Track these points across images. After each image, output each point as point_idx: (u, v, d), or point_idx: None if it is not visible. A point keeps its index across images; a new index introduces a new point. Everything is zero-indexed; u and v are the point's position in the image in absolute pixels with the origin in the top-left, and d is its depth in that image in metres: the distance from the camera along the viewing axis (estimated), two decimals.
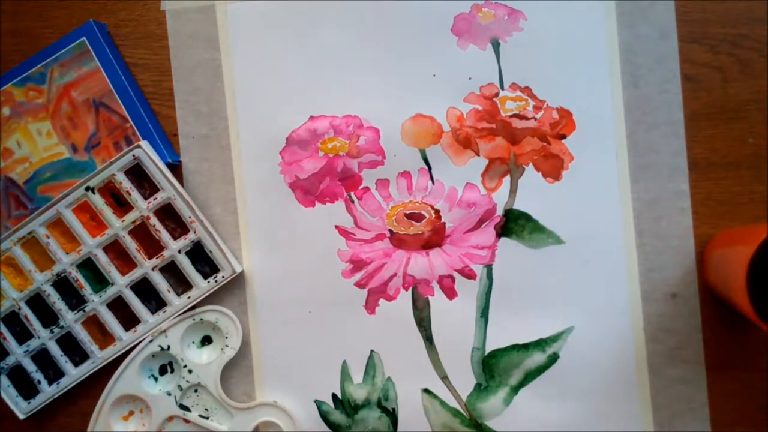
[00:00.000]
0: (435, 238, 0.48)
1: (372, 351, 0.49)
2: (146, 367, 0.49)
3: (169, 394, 0.49)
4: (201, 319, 0.49)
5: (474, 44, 0.48)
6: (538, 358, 0.47)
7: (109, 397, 0.49)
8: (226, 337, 0.49)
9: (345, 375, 0.49)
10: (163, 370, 0.50)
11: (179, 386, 0.49)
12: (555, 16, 0.47)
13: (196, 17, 0.50)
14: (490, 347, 0.48)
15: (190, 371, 0.49)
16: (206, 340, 0.50)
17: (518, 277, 0.47)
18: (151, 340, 0.49)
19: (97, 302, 0.49)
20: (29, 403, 0.50)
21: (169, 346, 0.49)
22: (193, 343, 0.50)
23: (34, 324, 0.49)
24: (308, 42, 0.49)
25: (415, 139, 0.48)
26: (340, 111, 0.49)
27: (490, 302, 0.48)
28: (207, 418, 0.49)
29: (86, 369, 0.50)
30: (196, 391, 0.49)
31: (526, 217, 0.47)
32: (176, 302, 0.49)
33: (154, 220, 0.48)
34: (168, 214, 0.49)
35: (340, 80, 0.49)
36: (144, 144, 0.47)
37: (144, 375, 0.49)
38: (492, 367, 0.48)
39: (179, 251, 0.48)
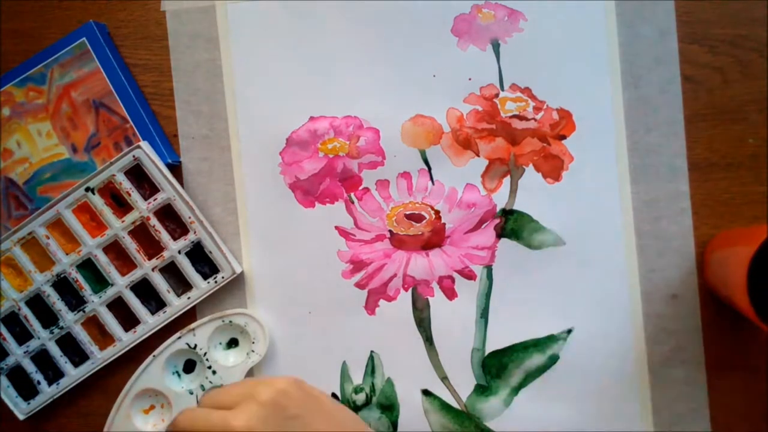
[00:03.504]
0: (435, 239, 0.48)
1: (372, 352, 0.49)
2: (171, 363, 0.49)
3: (191, 393, 0.49)
4: (230, 322, 0.49)
5: (474, 45, 0.48)
6: (538, 358, 0.47)
7: (132, 389, 0.49)
8: (253, 342, 0.49)
9: (345, 375, 0.49)
10: (187, 369, 0.50)
11: (202, 386, 0.49)
12: (555, 16, 0.47)
13: (196, 18, 0.50)
14: (490, 348, 0.48)
15: (214, 372, 0.49)
16: (233, 343, 0.50)
17: (518, 278, 0.47)
18: (179, 337, 0.49)
19: (96, 303, 0.49)
20: (29, 403, 0.50)
21: (196, 345, 0.49)
22: (220, 344, 0.50)
23: (34, 324, 0.49)
24: (308, 43, 0.49)
25: (415, 139, 0.48)
26: (340, 112, 0.49)
27: (490, 303, 0.48)
28: None
29: (86, 370, 0.50)
30: None
31: (526, 218, 0.47)
32: (176, 303, 0.49)
33: (153, 221, 0.48)
34: (168, 214, 0.49)
35: (340, 81, 0.49)
36: (144, 144, 0.47)
37: (168, 371, 0.49)
38: (492, 368, 0.48)
39: (179, 252, 0.48)
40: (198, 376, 0.49)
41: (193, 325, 0.49)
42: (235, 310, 0.49)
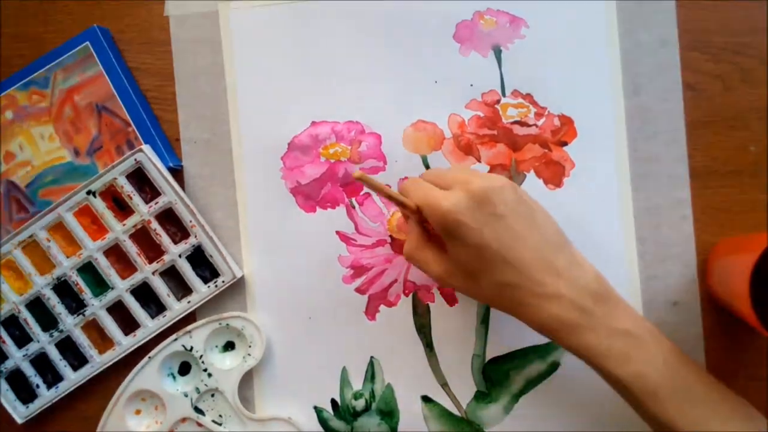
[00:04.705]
0: None
1: (372, 357, 0.48)
2: (167, 364, 0.49)
3: (186, 396, 0.49)
4: (227, 325, 0.49)
5: (476, 51, 0.48)
6: (538, 365, 0.47)
7: (127, 390, 0.49)
8: (249, 346, 0.48)
9: (344, 381, 0.49)
10: (183, 371, 0.50)
11: (197, 389, 0.49)
12: (557, 23, 0.47)
13: (199, 23, 0.50)
14: (490, 354, 0.48)
15: (209, 375, 0.48)
16: (229, 346, 0.50)
17: None
18: (175, 339, 0.49)
19: (96, 306, 0.49)
20: (27, 407, 0.50)
21: (192, 347, 0.49)
22: (216, 347, 0.50)
23: (34, 328, 0.49)
24: (311, 48, 0.49)
25: (416, 145, 0.48)
26: (341, 117, 0.49)
27: (490, 309, 0.48)
28: (220, 424, 0.49)
29: (85, 373, 0.49)
30: (212, 395, 0.49)
31: None
32: (176, 307, 0.49)
33: (154, 225, 0.48)
34: (169, 218, 0.49)
35: (342, 86, 0.49)
36: (146, 148, 0.48)
37: (164, 372, 0.49)
38: (492, 375, 0.48)
39: (180, 255, 0.48)
40: (193, 379, 0.49)
41: (189, 327, 0.49)
42: (232, 313, 0.49)
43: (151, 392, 0.49)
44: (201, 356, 0.48)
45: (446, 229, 0.37)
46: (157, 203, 0.48)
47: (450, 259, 0.39)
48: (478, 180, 0.37)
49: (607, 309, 0.37)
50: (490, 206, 0.36)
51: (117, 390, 0.49)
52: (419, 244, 0.41)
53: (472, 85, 0.48)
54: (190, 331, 0.49)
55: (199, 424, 0.49)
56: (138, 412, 0.49)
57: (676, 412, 0.36)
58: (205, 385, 0.48)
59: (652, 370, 0.37)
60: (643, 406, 0.37)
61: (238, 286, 0.49)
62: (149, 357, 0.49)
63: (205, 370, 0.49)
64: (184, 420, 0.49)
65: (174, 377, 0.50)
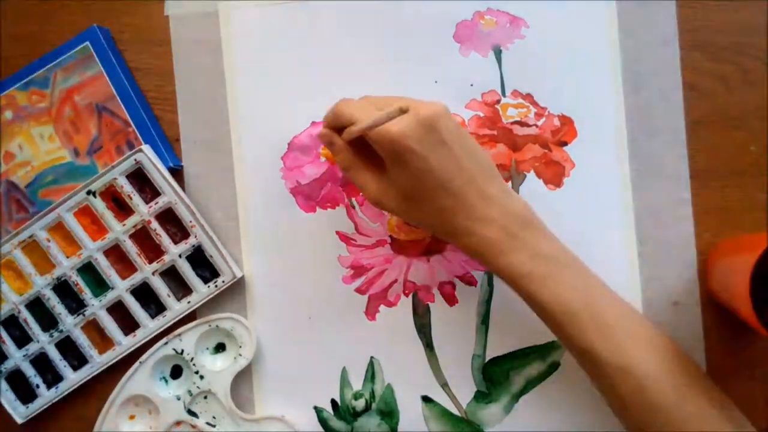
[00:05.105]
0: (436, 245, 0.48)
1: (372, 357, 0.48)
2: (158, 369, 0.49)
3: (179, 399, 0.49)
4: (217, 326, 0.49)
5: (476, 51, 0.48)
6: (538, 365, 0.47)
7: (119, 397, 0.49)
8: (240, 346, 0.48)
9: (345, 381, 0.49)
10: (174, 374, 0.50)
11: (189, 392, 0.49)
12: (557, 23, 0.47)
13: (198, 22, 0.50)
14: (490, 354, 0.48)
15: (201, 377, 0.48)
16: (220, 348, 0.50)
17: None
18: (165, 343, 0.49)
19: (96, 306, 0.49)
20: (27, 407, 0.50)
21: (182, 350, 0.49)
22: (207, 349, 0.50)
23: (34, 328, 0.49)
24: (311, 48, 0.49)
25: None
26: None
27: (491, 309, 0.48)
28: (214, 426, 0.49)
29: (85, 373, 0.49)
30: (205, 398, 0.49)
31: None
32: (176, 307, 0.49)
33: (155, 225, 0.48)
34: (169, 218, 0.49)
35: (343, 86, 0.49)
36: (146, 148, 0.48)
37: (156, 377, 0.49)
38: (492, 375, 0.48)
39: (180, 256, 0.48)
40: (185, 382, 0.49)
41: (179, 330, 0.49)
42: (221, 314, 0.49)
43: (144, 397, 0.49)
44: (192, 359, 0.48)
45: (394, 153, 0.37)
46: (157, 203, 0.48)
47: (388, 181, 0.40)
48: (424, 106, 0.37)
49: (533, 234, 0.39)
50: (436, 133, 0.37)
51: (109, 396, 0.49)
52: (354, 162, 0.41)
53: (472, 85, 0.48)
54: (179, 335, 0.49)
55: (194, 427, 0.48)
56: (132, 417, 0.49)
57: (595, 336, 0.37)
58: (198, 387, 0.48)
59: (572, 293, 0.38)
60: (564, 329, 0.38)
61: (238, 286, 0.49)
62: (140, 362, 0.49)
63: (197, 372, 0.48)
64: (178, 424, 0.49)
65: (166, 381, 0.50)
